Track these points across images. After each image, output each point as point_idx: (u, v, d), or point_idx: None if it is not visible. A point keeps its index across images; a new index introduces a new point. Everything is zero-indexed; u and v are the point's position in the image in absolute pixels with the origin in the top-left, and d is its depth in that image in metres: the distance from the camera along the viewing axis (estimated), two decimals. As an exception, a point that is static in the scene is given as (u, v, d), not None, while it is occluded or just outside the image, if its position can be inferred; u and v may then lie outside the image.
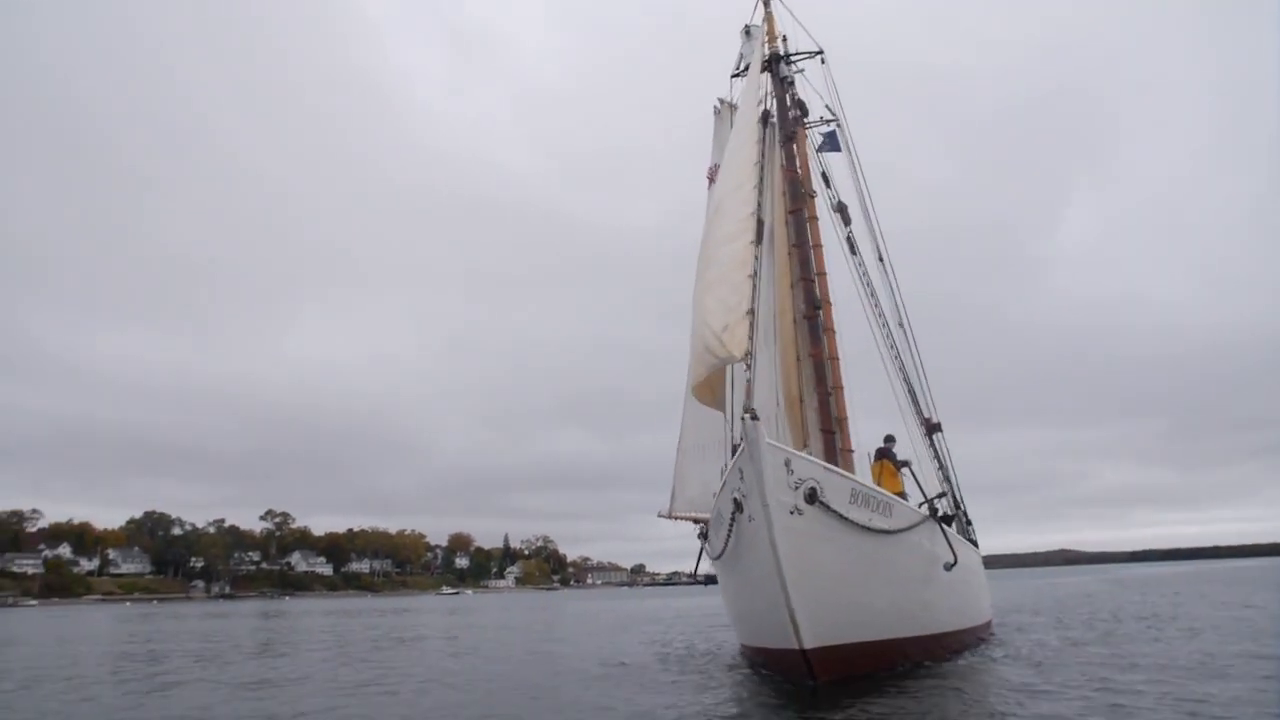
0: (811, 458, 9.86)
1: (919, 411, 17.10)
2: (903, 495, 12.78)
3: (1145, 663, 11.56)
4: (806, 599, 9.57)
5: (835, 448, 16.78)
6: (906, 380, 17.24)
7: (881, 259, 18.91)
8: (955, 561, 12.06)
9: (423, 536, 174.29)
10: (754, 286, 10.64)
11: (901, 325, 18.33)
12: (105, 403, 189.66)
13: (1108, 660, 12.02)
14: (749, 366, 9.59)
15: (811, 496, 9.48)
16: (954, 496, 18.62)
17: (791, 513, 9.30)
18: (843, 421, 22.42)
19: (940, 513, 12.37)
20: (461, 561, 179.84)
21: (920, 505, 12.39)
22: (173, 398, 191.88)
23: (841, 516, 9.84)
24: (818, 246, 24.18)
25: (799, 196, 19.17)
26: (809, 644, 9.76)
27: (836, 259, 20.62)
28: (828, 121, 25.26)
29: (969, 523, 18.53)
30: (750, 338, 9.93)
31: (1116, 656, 12.41)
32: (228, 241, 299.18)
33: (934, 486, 15.14)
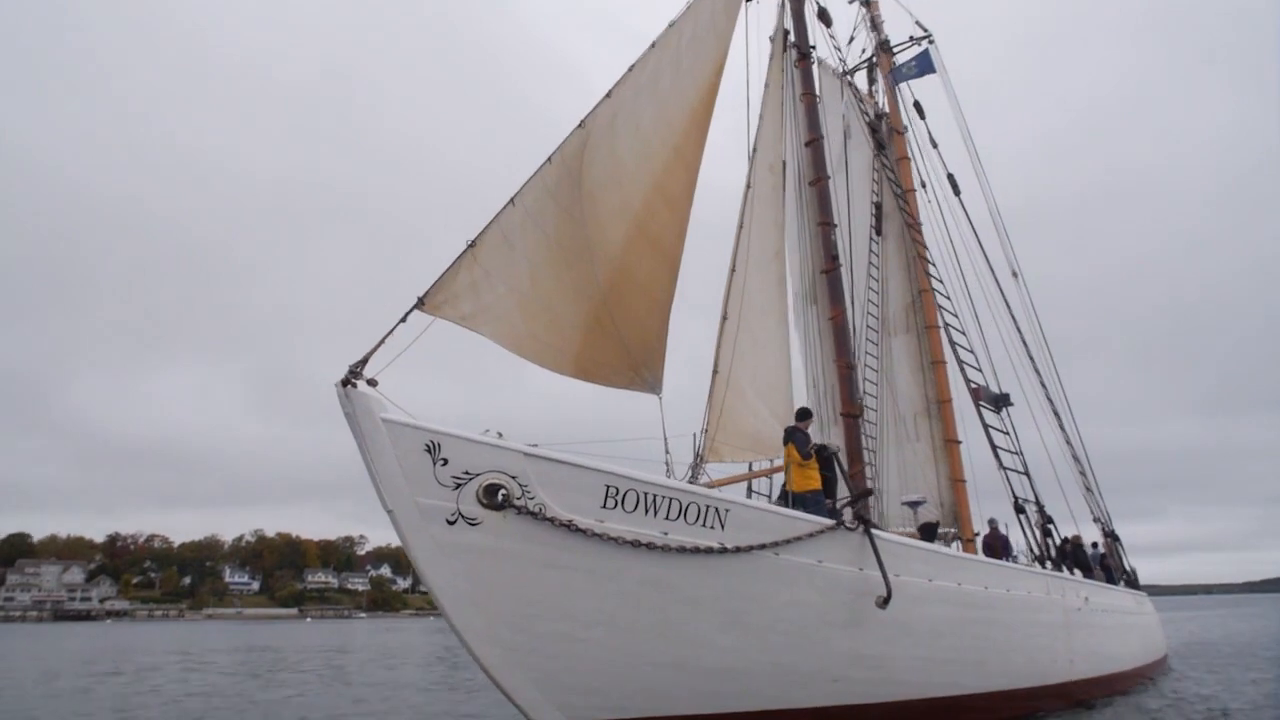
0: (506, 442, 6.63)
1: (965, 377, 12.25)
2: (821, 494, 8.73)
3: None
4: (518, 654, 6.48)
5: (859, 435, 12.69)
6: (950, 337, 12.54)
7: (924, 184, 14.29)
8: (889, 596, 7.85)
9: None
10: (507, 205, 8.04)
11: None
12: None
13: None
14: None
15: (503, 499, 6.37)
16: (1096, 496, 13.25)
17: (452, 522, 6.27)
18: (945, 405, 17.82)
19: (861, 520, 8.16)
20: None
21: (842, 509, 8.35)
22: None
23: (573, 528, 6.55)
24: (911, 192, 19.93)
25: (816, 125, 15.25)
26: (547, 718, 6.63)
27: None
28: (918, 40, 20.88)
29: (1118, 544, 13.03)
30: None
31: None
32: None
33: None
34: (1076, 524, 15.26)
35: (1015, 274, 16.52)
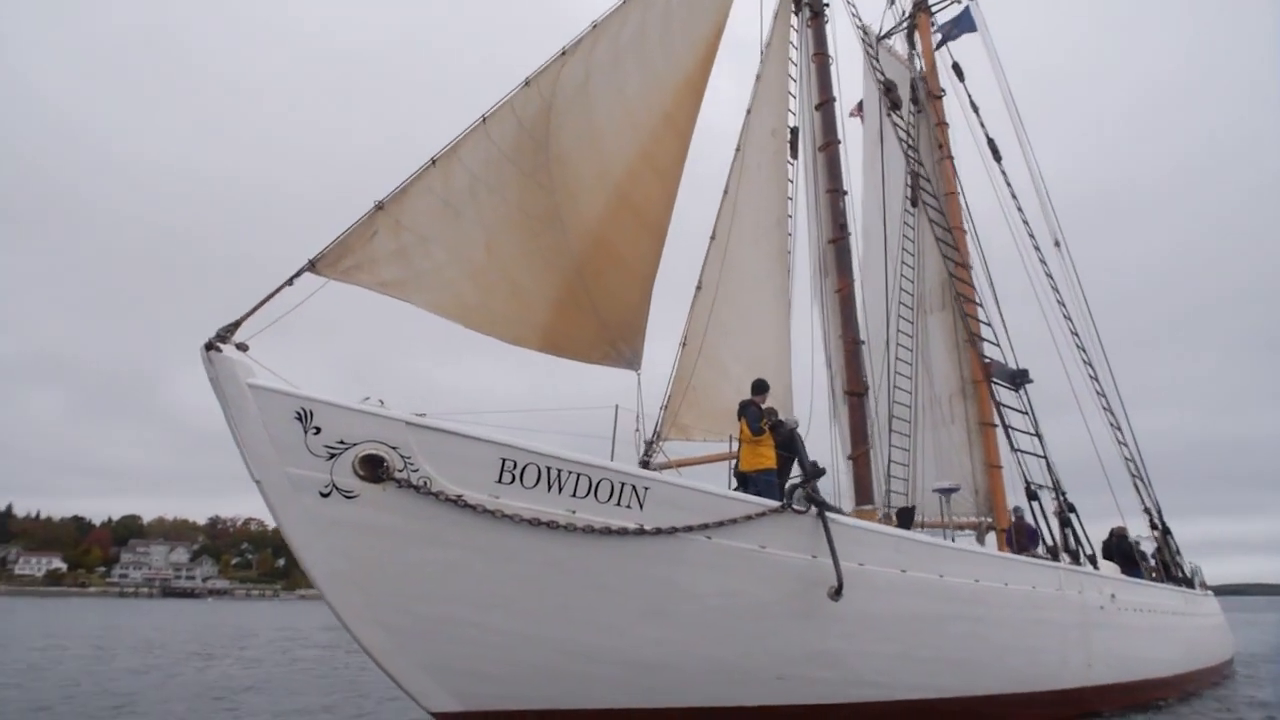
0: (385, 410, 6.17)
1: (980, 353, 11.16)
2: (773, 473, 7.97)
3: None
4: (404, 637, 6.09)
5: (865, 416, 11.84)
6: (962, 309, 11.46)
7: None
8: (840, 588, 7.08)
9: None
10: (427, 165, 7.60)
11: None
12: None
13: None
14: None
15: (383, 471, 5.94)
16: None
17: (325, 494, 5.87)
18: (980, 385, 16.81)
19: (813, 502, 7.37)
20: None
21: (792, 490, 7.59)
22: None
23: (463, 504, 6.08)
24: (949, 159, 18.77)
25: (828, 87, 14.38)
26: (441, 705, 6.24)
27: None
28: (958, -1, 19.71)
29: (1169, 538, 11.80)
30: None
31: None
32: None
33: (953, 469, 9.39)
34: (1123, 516, 13.88)
35: (1058, 243, 15.12)
